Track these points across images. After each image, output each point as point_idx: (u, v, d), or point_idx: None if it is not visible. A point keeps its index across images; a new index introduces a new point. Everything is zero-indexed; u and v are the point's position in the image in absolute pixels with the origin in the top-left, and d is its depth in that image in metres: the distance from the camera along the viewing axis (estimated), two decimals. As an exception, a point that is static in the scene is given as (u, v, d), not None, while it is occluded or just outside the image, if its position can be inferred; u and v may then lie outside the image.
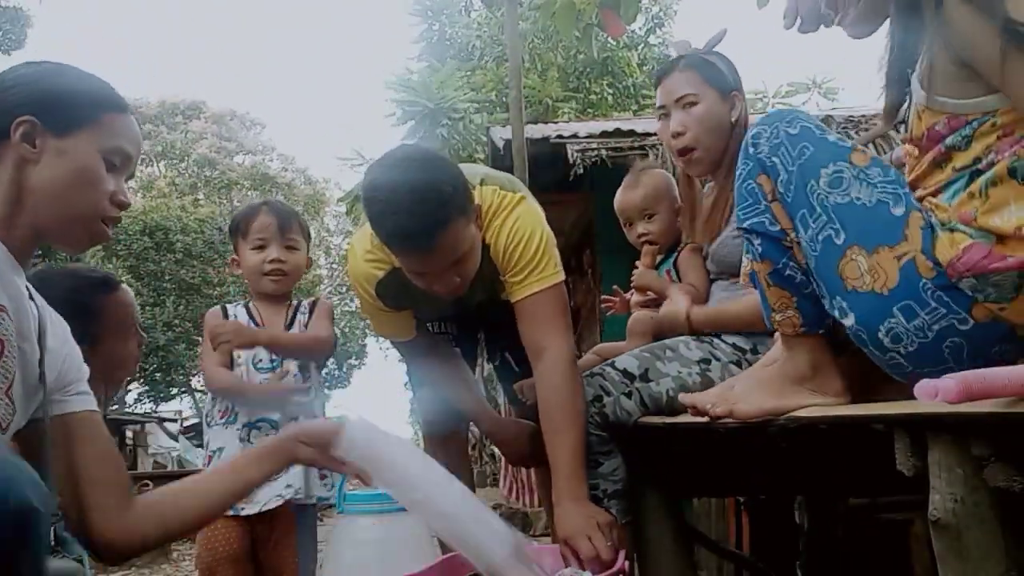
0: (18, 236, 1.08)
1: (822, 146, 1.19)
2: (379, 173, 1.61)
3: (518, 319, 1.77)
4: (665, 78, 1.87)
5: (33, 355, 1.10)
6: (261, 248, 2.17)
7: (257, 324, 2.21)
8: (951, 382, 0.88)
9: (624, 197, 2.14)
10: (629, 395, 1.74)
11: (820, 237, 1.15)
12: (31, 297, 1.12)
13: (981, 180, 1.07)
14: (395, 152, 1.67)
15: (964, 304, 1.06)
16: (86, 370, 1.22)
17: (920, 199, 1.16)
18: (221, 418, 2.18)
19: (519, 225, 1.75)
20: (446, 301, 1.81)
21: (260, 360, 2.19)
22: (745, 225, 1.27)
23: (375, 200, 1.59)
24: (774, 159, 1.21)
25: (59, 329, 1.17)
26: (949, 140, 1.10)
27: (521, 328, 1.77)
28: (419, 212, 1.52)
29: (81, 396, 1.18)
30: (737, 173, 1.29)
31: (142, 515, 1.18)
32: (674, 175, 2.25)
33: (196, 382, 24.17)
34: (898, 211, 1.12)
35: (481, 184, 1.80)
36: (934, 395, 0.89)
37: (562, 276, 1.78)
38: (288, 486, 2.09)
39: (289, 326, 2.25)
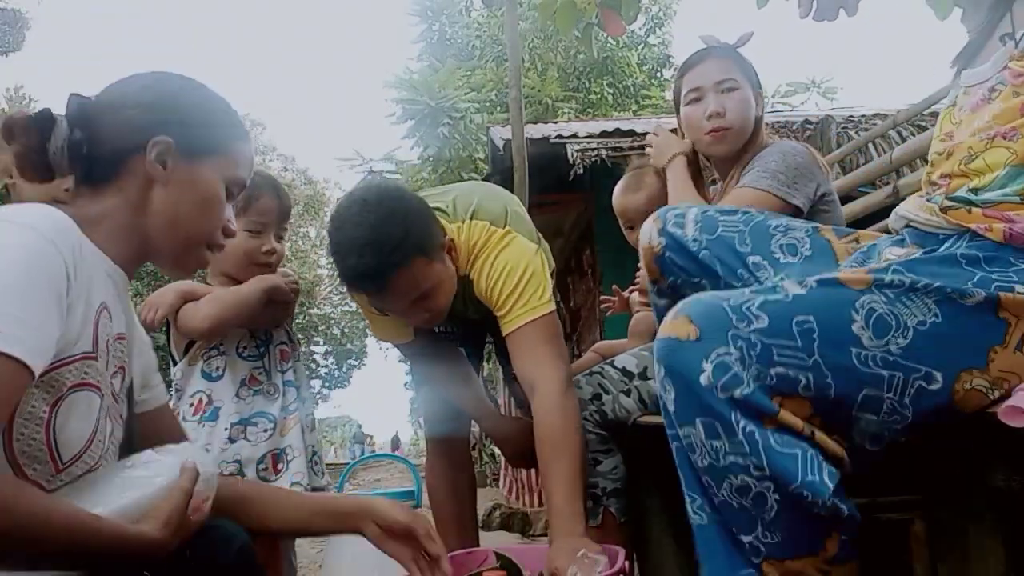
0: (132, 255, 1.08)
1: None
2: (339, 213, 1.64)
3: (510, 352, 1.75)
4: (699, 64, 1.81)
5: (131, 365, 1.12)
6: (258, 234, 1.91)
7: None
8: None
9: (626, 199, 2.07)
10: (628, 393, 1.74)
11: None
12: None
13: None
14: (356, 192, 1.69)
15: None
16: (155, 358, 1.23)
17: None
18: (195, 414, 1.86)
19: (502, 261, 1.74)
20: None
21: (244, 348, 1.94)
22: None
23: (332, 241, 1.64)
24: None
25: (136, 327, 1.18)
26: None
27: (513, 362, 1.74)
28: (368, 256, 1.56)
29: (159, 388, 1.21)
30: None
31: (218, 502, 1.16)
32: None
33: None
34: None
35: (471, 219, 1.80)
36: (1019, 416, 0.83)
37: (551, 307, 1.74)
38: (295, 483, 1.90)
39: None
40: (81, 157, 1.05)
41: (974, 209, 0.98)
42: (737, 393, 0.87)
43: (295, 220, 20.41)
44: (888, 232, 1.17)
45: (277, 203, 1.94)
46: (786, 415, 0.88)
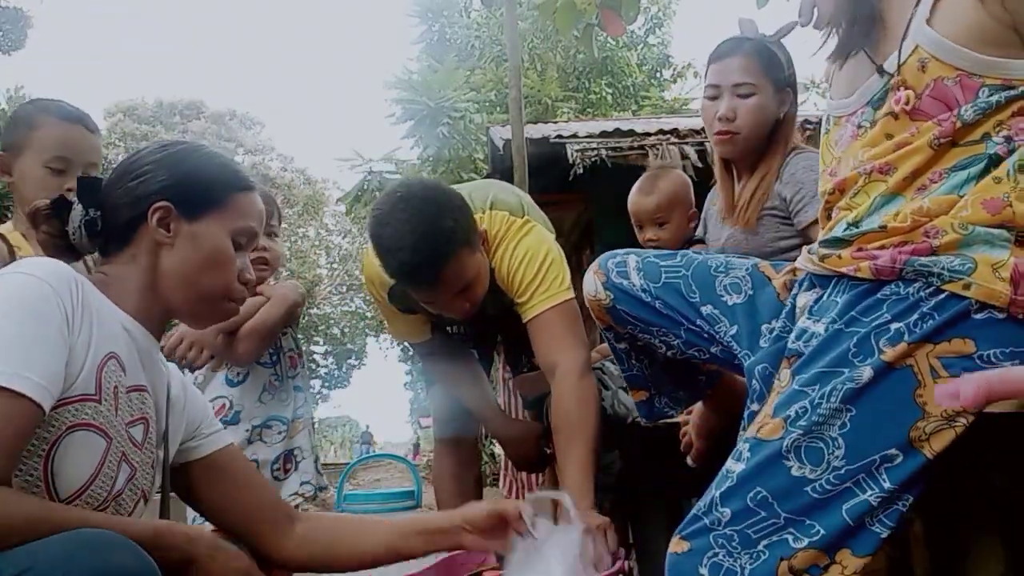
0: (154, 315, 1.13)
1: None
2: (383, 210, 1.67)
3: (531, 339, 1.80)
4: (725, 58, 1.80)
5: (163, 418, 1.16)
6: None
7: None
8: (969, 386, 0.90)
9: (638, 201, 2.11)
10: (627, 390, 1.75)
11: None
12: (161, 360, 1.19)
13: (1010, 162, 0.97)
14: (398, 188, 1.72)
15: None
16: (210, 409, 1.30)
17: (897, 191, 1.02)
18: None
19: (523, 249, 1.80)
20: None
21: (262, 356, 2.06)
22: None
23: (381, 238, 1.66)
24: None
25: (178, 379, 1.23)
26: (966, 110, 0.96)
27: (535, 348, 1.79)
28: (423, 249, 1.59)
29: (216, 435, 1.25)
30: None
31: (312, 532, 1.23)
32: (682, 172, 2.25)
33: (196, 382, 24.10)
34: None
35: (491, 209, 1.86)
36: (955, 397, 0.90)
37: (570, 293, 1.79)
38: (305, 482, 2.04)
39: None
40: (97, 234, 1.12)
41: (844, 253, 1.04)
42: None
43: (295, 220, 20.40)
44: None
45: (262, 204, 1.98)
46: None
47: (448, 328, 2.10)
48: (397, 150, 9.98)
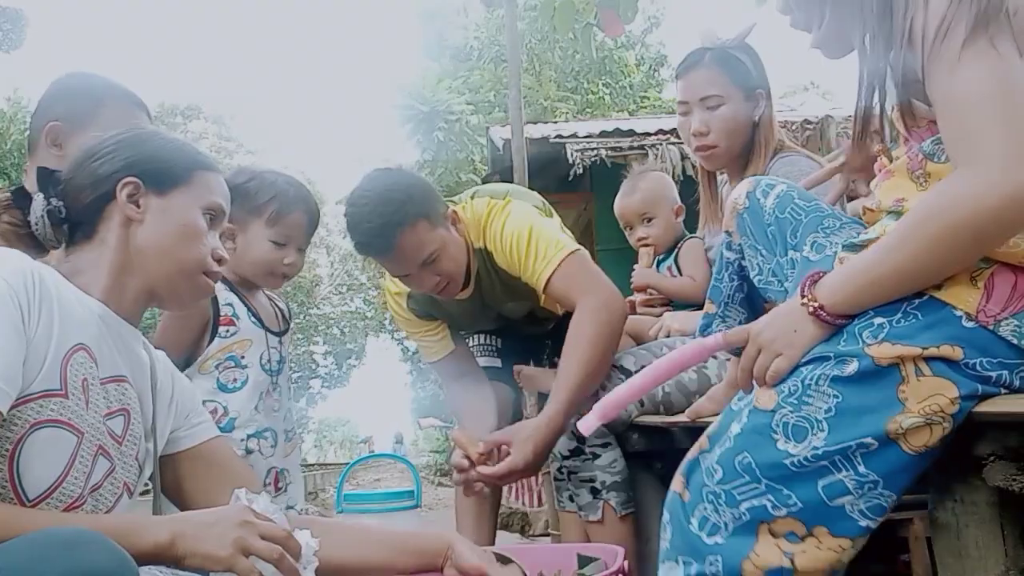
0: (130, 299, 1.10)
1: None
2: (352, 196, 1.86)
3: (555, 301, 1.90)
4: (689, 73, 1.82)
5: (148, 408, 1.13)
6: (282, 246, 1.87)
7: (255, 316, 1.91)
8: (592, 416, 1.16)
9: (623, 203, 2.18)
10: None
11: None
12: (144, 347, 1.16)
13: None
14: (364, 177, 1.89)
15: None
16: (199, 398, 1.26)
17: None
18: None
19: (508, 229, 1.87)
20: (474, 313, 2.00)
21: (268, 362, 1.90)
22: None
23: (349, 218, 1.85)
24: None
25: (165, 366, 1.20)
26: (927, 144, 1.01)
27: (562, 307, 1.90)
28: (375, 220, 1.77)
29: (203, 425, 1.22)
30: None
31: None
32: (682, 172, 2.27)
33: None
34: None
35: (472, 198, 1.98)
36: (587, 429, 1.18)
37: (568, 247, 1.83)
38: (290, 507, 1.88)
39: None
40: (61, 222, 1.09)
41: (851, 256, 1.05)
42: (719, 538, 1.00)
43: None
44: None
45: (307, 219, 1.91)
46: (763, 550, 0.97)
47: (474, 337, 2.20)
48: (397, 152, 10.00)
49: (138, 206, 1.09)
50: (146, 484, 1.17)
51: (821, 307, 0.99)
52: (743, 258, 1.32)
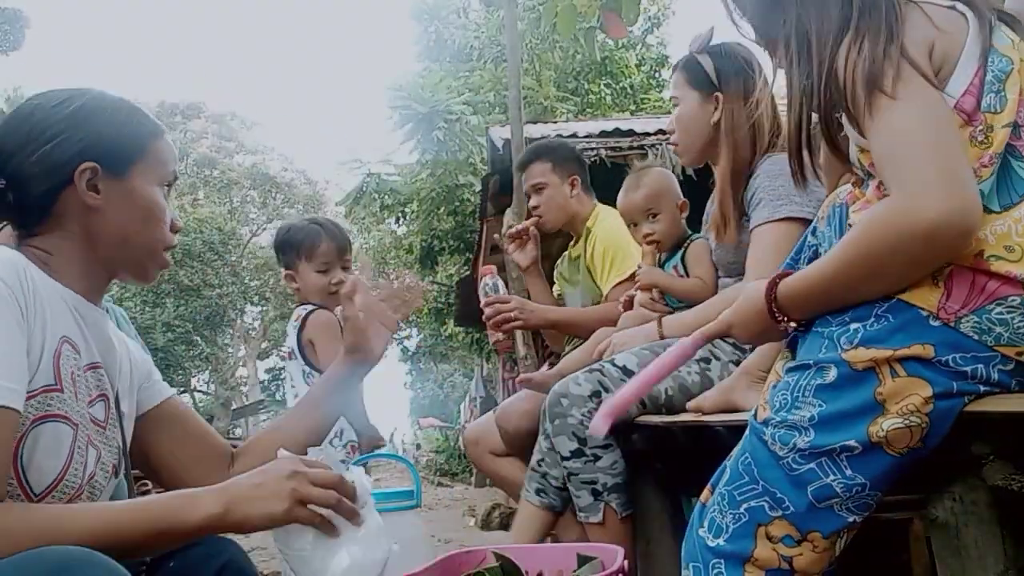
0: (97, 284, 1.09)
1: None
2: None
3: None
4: (672, 77, 2.00)
5: (119, 387, 1.13)
6: (326, 271, 2.40)
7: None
8: (599, 421, 1.21)
9: (626, 199, 2.17)
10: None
11: None
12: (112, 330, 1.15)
13: None
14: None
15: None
16: (148, 358, 1.25)
17: None
18: None
19: (600, 242, 2.56)
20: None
21: (308, 372, 2.33)
22: None
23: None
24: None
25: (120, 338, 1.19)
26: None
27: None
28: (539, 145, 2.84)
29: (156, 385, 1.22)
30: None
31: (247, 465, 1.15)
32: (682, 172, 2.30)
33: (196, 382, 24.13)
34: None
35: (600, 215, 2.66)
36: (598, 431, 1.21)
37: (615, 279, 2.45)
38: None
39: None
40: (9, 206, 1.03)
41: None
42: (721, 540, 1.04)
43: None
44: None
45: (334, 245, 2.42)
46: (762, 553, 1.01)
47: None
48: (396, 152, 9.99)
49: (97, 192, 1.05)
50: None
51: (782, 311, 1.07)
52: (821, 245, 1.34)
